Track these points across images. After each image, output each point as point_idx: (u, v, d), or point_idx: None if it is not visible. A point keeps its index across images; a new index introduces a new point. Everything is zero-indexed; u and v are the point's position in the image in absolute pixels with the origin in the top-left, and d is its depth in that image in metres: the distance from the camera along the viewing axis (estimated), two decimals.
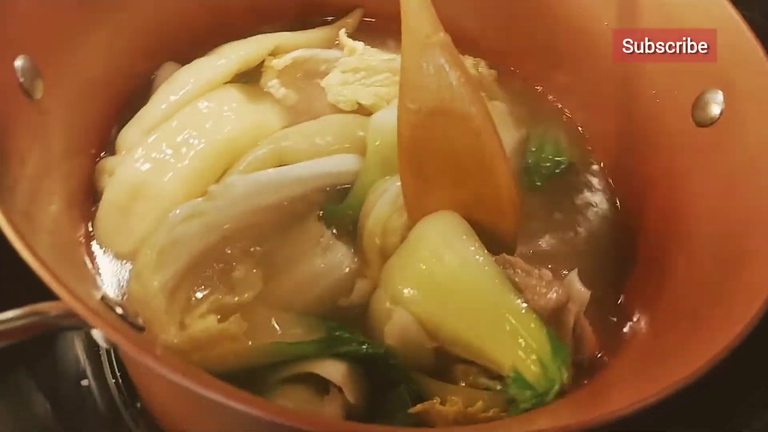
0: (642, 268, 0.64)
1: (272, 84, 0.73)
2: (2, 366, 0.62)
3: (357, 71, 0.73)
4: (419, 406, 0.50)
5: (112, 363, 0.64)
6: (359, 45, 0.76)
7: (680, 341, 0.48)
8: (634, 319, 0.59)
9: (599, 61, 0.70)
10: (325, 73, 0.75)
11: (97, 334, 0.44)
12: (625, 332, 0.59)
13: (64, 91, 0.58)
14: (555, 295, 0.53)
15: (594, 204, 0.71)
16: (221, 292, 0.56)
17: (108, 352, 0.65)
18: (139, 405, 0.63)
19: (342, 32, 0.78)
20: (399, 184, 0.61)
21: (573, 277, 0.57)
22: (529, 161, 0.72)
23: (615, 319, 0.61)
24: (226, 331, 0.49)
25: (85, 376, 0.63)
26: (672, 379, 0.39)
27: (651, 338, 0.55)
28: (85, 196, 0.62)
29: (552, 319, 0.53)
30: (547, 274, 0.56)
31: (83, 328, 0.40)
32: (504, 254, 0.58)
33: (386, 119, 0.64)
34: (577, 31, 0.72)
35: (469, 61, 0.76)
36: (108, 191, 0.61)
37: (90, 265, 0.58)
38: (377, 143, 0.65)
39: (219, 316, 0.52)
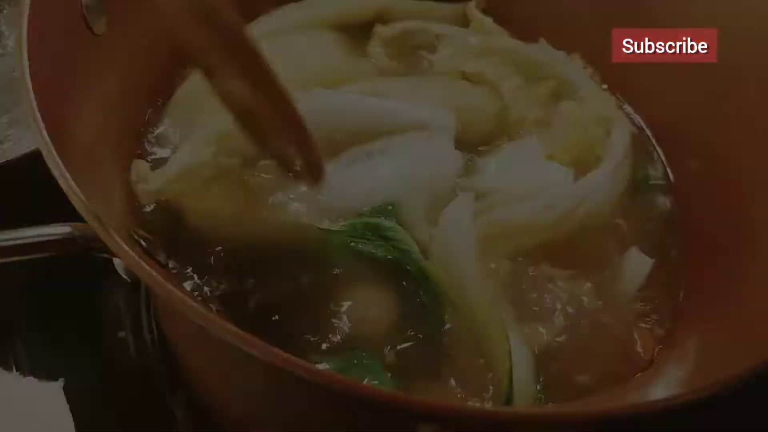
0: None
1: (377, 52, 0.70)
2: (45, 310, 0.64)
3: (470, 50, 0.67)
4: None
5: (150, 318, 0.64)
6: (488, 20, 0.70)
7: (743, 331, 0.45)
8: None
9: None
10: (435, 48, 0.69)
11: (118, 265, 0.45)
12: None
13: (129, 31, 0.54)
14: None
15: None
16: None
17: (147, 307, 0.64)
18: (176, 375, 0.61)
19: (472, 4, 0.72)
20: None
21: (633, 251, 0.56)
22: None
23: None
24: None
25: (122, 328, 0.63)
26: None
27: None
28: (137, 135, 0.59)
29: None
30: None
31: (105, 253, 0.40)
32: None
33: None
34: None
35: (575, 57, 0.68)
36: None
37: (126, 202, 0.54)
38: None
39: None
